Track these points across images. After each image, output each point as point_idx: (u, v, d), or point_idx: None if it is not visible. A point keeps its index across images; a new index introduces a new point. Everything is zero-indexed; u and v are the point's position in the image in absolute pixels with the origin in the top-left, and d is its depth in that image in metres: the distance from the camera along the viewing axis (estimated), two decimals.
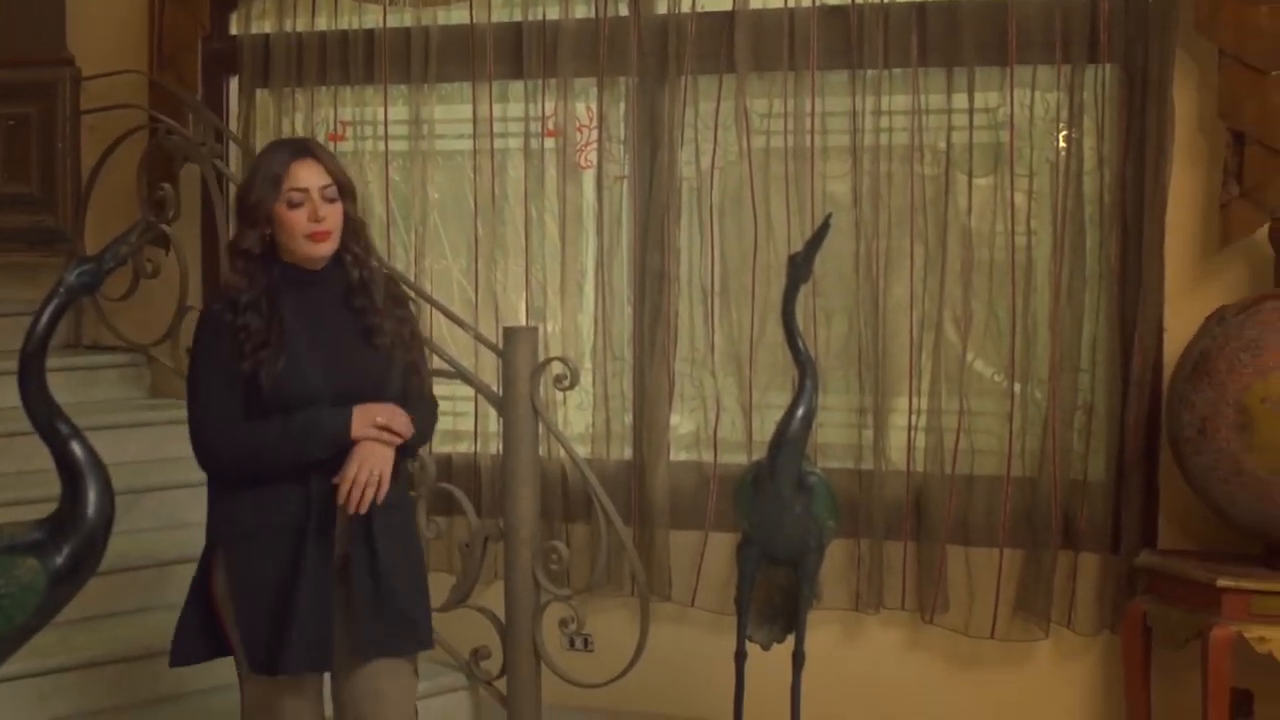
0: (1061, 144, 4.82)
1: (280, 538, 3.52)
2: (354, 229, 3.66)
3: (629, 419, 5.24)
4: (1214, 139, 4.61)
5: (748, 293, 5.06)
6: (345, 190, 3.64)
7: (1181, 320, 4.61)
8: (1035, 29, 4.77)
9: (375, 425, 3.53)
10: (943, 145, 4.93)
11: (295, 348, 3.53)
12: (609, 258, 5.23)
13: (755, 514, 4.30)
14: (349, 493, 3.47)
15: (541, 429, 4.54)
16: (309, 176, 3.56)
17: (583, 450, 5.11)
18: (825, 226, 4.22)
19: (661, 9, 5.16)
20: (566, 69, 5.25)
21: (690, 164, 5.15)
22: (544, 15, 5.28)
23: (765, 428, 4.74)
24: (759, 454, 4.51)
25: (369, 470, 3.49)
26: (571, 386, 4.43)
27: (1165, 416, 4.57)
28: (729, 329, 5.10)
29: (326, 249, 3.58)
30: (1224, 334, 4.30)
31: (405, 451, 3.66)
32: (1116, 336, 4.73)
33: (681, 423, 5.26)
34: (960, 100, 4.89)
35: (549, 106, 5.30)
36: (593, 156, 5.31)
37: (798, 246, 4.51)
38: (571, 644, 5.00)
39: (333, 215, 3.58)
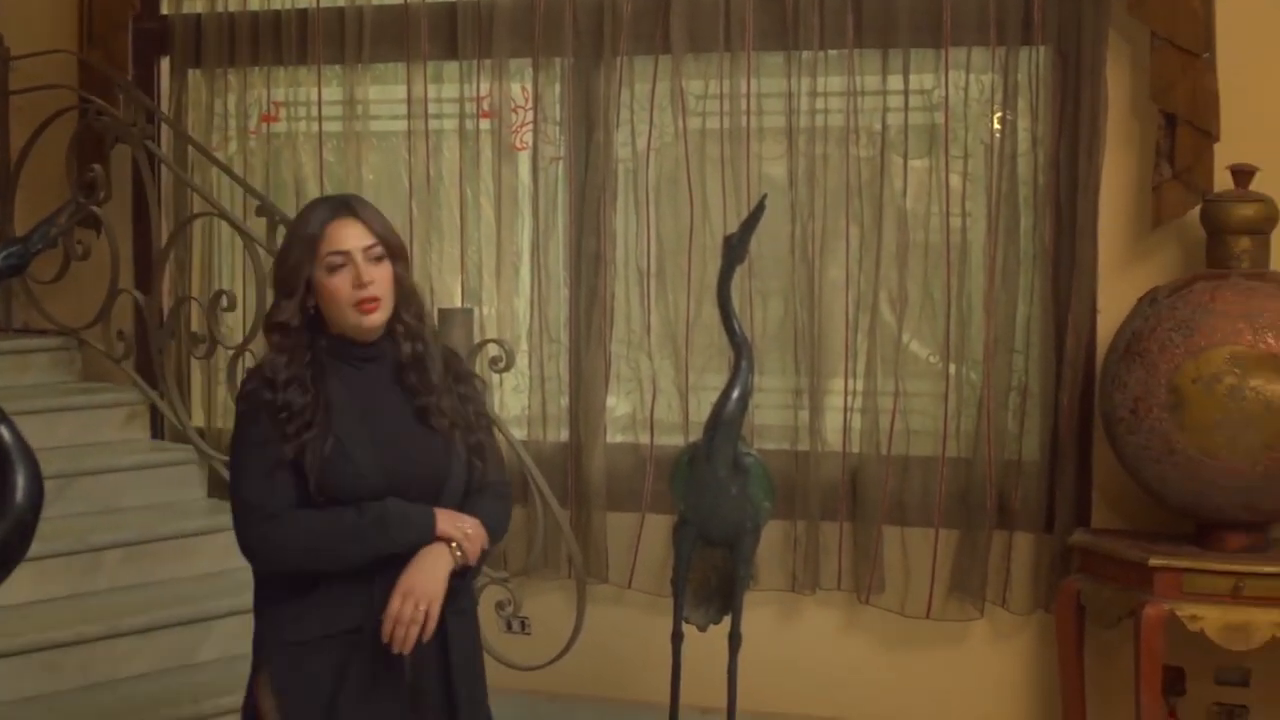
0: (996, 126, 4.83)
1: (338, 645, 3.15)
2: (405, 295, 3.27)
3: (565, 401, 5.23)
4: (1146, 121, 4.64)
5: (684, 274, 5.06)
6: (394, 251, 3.25)
7: (1114, 301, 4.64)
8: (970, 11, 4.78)
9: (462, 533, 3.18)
10: (878, 127, 4.93)
11: (343, 430, 3.15)
12: (545, 239, 5.22)
13: (691, 495, 4.30)
14: (392, 631, 3.09)
15: None
16: (349, 237, 3.17)
17: (519, 433, 5.10)
18: (760, 208, 4.22)
19: None
20: (502, 50, 5.23)
21: (626, 145, 5.14)
22: None
23: (701, 409, 4.74)
24: (695, 435, 4.51)
25: (414, 604, 3.09)
26: (507, 368, 4.43)
27: (1098, 397, 4.60)
28: (665, 311, 5.10)
29: (378, 319, 3.20)
30: (1156, 315, 4.33)
31: (478, 560, 3.27)
32: (1050, 317, 4.75)
33: (618, 405, 5.26)
34: (895, 82, 4.89)
35: (484, 87, 5.27)
36: (528, 138, 5.29)
37: (733, 228, 4.50)
38: (509, 627, 5.00)
39: (381, 279, 3.19)
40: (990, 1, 4.75)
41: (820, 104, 4.96)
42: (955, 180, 4.88)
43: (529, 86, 5.28)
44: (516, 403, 5.36)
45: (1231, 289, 4.27)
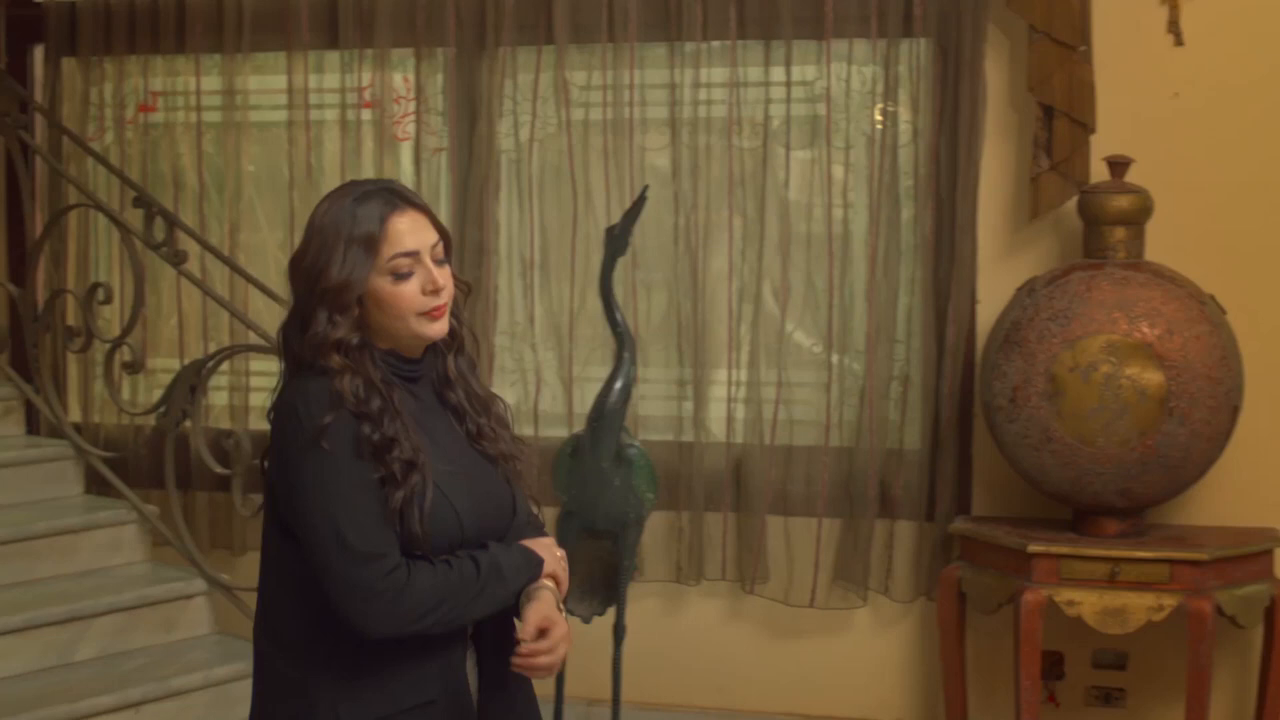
0: (878, 118, 4.87)
1: None
2: (460, 294, 2.80)
3: None
4: (1024, 113, 4.69)
5: (567, 265, 5.05)
6: (449, 242, 2.77)
7: (994, 291, 4.69)
8: (851, 3, 4.81)
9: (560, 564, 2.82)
10: (761, 118, 4.95)
11: (435, 469, 2.67)
12: None
13: (575, 487, 4.30)
14: (533, 662, 2.69)
15: None
16: (416, 233, 2.66)
17: None
18: (642, 199, 4.22)
19: None
20: (383, 40, 5.18)
21: (509, 136, 5.12)
22: None
23: (586, 401, 4.73)
24: (579, 427, 4.50)
25: (558, 637, 2.71)
26: None
27: (978, 386, 4.65)
28: (549, 302, 5.08)
29: (444, 328, 2.72)
30: (1034, 304, 4.38)
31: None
32: (931, 307, 4.79)
33: (502, 396, 5.21)
34: (778, 74, 4.91)
35: (366, 78, 5.23)
36: (411, 128, 5.25)
37: (616, 219, 4.50)
38: None
39: (447, 281, 2.70)
40: None
41: (703, 95, 4.97)
42: (837, 171, 4.90)
43: (411, 77, 5.24)
44: None
45: (1107, 279, 4.32)
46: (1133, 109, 4.60)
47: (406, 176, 5.26)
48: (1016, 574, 4.38)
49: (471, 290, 3.00)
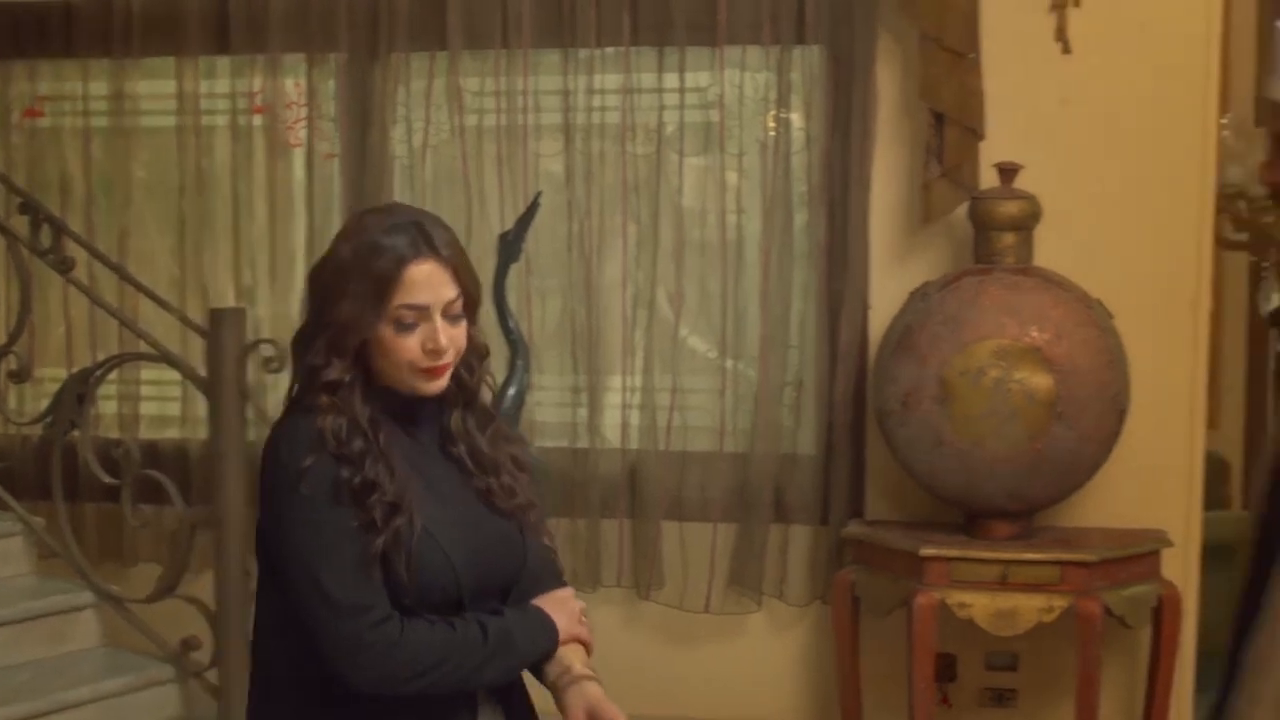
0: (771, 124, 4.89)
1: None
2: (476, 354, 2.66)
3: None
4: (916, 119, 4.72)
5: None
6: (472, 303, 2.60)
7: (886, 297, 4.72)
8: (744, 9, 4.82)
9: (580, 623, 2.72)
10: (655, 125, 4.96)
11: (427, 514, 2.54)
12: (320, 238, 5.12)
13: None
14: None
15: (251, 413, 4.44)
16: (432, 287, 2.51)
17: None
18: (535, 205, 4.22)
19: None
20: (275, 45, 5.13)
21: (403, 142, 5.09)
22: None
23: None
24: None
25: None
26: (280, 369, 4.31)
27: (871, 391, 4.68)
28: None
29: (438, 386, 2.59)
30: (926, 309, 4.41)
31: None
32: (824, 313, 4.82)
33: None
34: (672, 80, 4.92)
35: (257, 83, 5.18)
36: (302, 134, 5.21)
37: (510, 226, 4.49)
38: None
39: (458, 340, 2.57)
40: (764, 1, 4.80)
41: (597, 101, 4.97)
42: (731, 178, 4.92)
43: (303, 82, 5.19)
44: None
45: (997, 284, 4.37)
46: (1022, 116, 4.65)
47: (298, 183, 5.22)
48: (909, 577, 4.40)
49: (489, 353, 2.75)
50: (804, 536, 4.87)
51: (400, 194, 5.07)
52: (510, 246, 4.21)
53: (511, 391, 4.19)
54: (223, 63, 5.24)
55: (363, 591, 2.46)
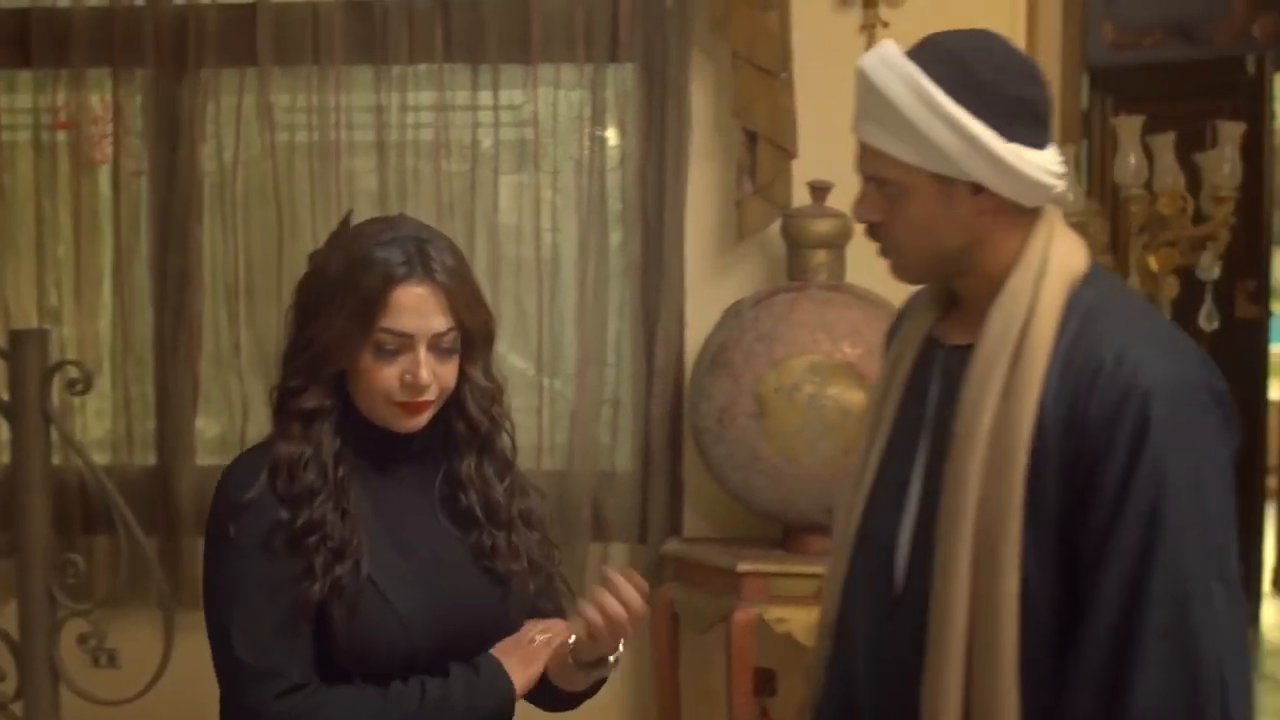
0: (585, 142, 4.89)
1: None
2: (484, 398, 2.44)
3: (152, 424, 5.05)
4: (729, 137, 4.76)
5: (274, 291, 4.94)
6: (471, 338, 2.38)
7: (702, 314, 4.74)
8: (558, 27, 4.82)
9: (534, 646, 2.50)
10: (469, 142, 4.94)
11: (377, 563, 2.31)
12: (128, 256, 5.03)
13: None
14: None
15: (56, 436, 4.32)
16: (420, 315, 2.30)
17: (103, 458, 4.90)
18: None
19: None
20: (79, 59, 5.00)
21: (212, 160, 5.00)
22: (54, 2, 5.02)
23: None
24: None
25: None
26: (85, 391, 4.22)
27: (687, 408, 4.70)
28: (256, 329, 4.97)
29: (417, 424, 2.36)
30: (740, 326, 4.45)
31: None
32: (640, 330, 4.83)
33: (208, 426, 5.11)
34: (486, 98, 4.90)
35: (60, 98, 5.05)
36: (109, 151, 5.09)
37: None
38: (96, 661, 4.78)
39: (445, 378, 2.35)
40: (578, 18, 4.80)
41: (411, 118, 4.93)
42: (546, 195, 4.91)
43: (109, 98, 5.08)
44: (100, 426, 5.15)
45: (809, 300, 4.41)
46: (834, 134, 4.61)
47: (104, 201, 5.10)
48: (727, 593, 4.42)
49: (503, 393, 2.52)
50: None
51: (210, 212, 4.98)
52: None
53: None
54: (24, 77, 5.10)
55: (275, 655, 2.26)
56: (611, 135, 4.89)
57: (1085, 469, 2.23)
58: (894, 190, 2.35)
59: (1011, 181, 2.31)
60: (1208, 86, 7.21)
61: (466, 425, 2.42)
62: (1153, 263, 4.98)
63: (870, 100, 2.34)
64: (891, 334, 2.71)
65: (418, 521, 2.40)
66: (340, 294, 2.32)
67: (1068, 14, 6.42)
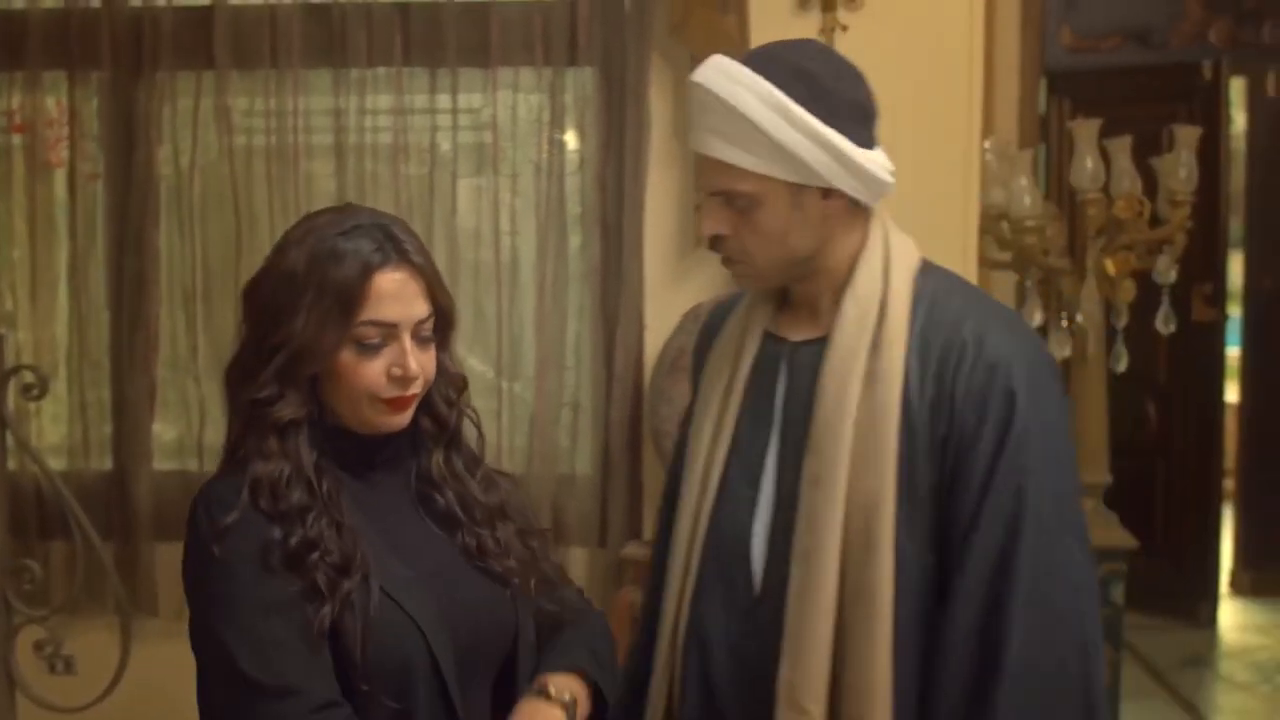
0: (545, 145, 4.88)
1: None
2: (453, 387, 2.34)
3: (109, 429, 5.02)
4: (688, 142, 4.74)
5: (231, 296, 4.90)
6: (445, 322, 2.28)
7: (661, 317, 4.74)
8: (516, 31, 4.81)
9: None
10: (428, 145, 4.93)
11: (386, 573, 2.18)
12: (84, 260, 5.00)
13: None
14: None
15: (11, 441, 4.30)
16: (403, 301, 2.19)
17: (59, 463, 4.87)
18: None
19: (136, 1, 4.95)
20: (35, 61, 4.97)
21: (169, 163, 4.96)
22: (9, 4, 4.99)
23: None
24: None
25: None
26: (41, 396, 4.21)
27: (647, 411, 4.70)
28: (213, 333, 4.95)
29: (402, 421, 2.25)
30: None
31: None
32: (600, 334, 4.82)
33: (165, 431, 5.08)
34: (444, 101, 4.89)
35: (15, 100, 5.02)
36: (65, 154, 5.06)
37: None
38: (52, 668, 4.75)
39: (428, 368, 2.23)
40: (537, 23, 4.79)
41: (369, 122, 4.92)
42: (505, 199, 4.90)
43: (64, 100, 5.05)
44: (56, 431, 5.11)
45: None
46: None
47: (60, 204, 5.07)
48: None
49: (467, 384, 2.42)
50: (582, 558, 4.87)
51: (167, 216, 4.96)
52: None
53: None
54: None
55: (291, 671, 2.06)
56: (571, 139, 4.88)
57: (955, 446, 2.34)
58: (745, 202, 2.41)
59: (865, 183, 2.44)
60: (1164, 91, 7.26)
61: (433, 420, 2.31)
62: (1110, 266, 5.00)
63: (718, 116, 2.41)
64: (700, 349, 2.78)
65: (407, 527, 2.28)
66: (309, 292, 2.15)
67: (1026, 18, 6.46)
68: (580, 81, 4.85)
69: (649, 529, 4.86)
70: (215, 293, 4.95)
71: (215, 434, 4.97)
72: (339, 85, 4.90)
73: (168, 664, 4.83)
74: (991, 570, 2.30)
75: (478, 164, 4.92)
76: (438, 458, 2.31)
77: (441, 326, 2.27)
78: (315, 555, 2.10)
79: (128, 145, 4.96)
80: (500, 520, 2.36)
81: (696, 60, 4.57)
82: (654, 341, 4.74)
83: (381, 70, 4.89)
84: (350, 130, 4.90)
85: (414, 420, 2.29)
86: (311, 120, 4.94)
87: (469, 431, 2.48)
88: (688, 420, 2.70)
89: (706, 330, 2.80)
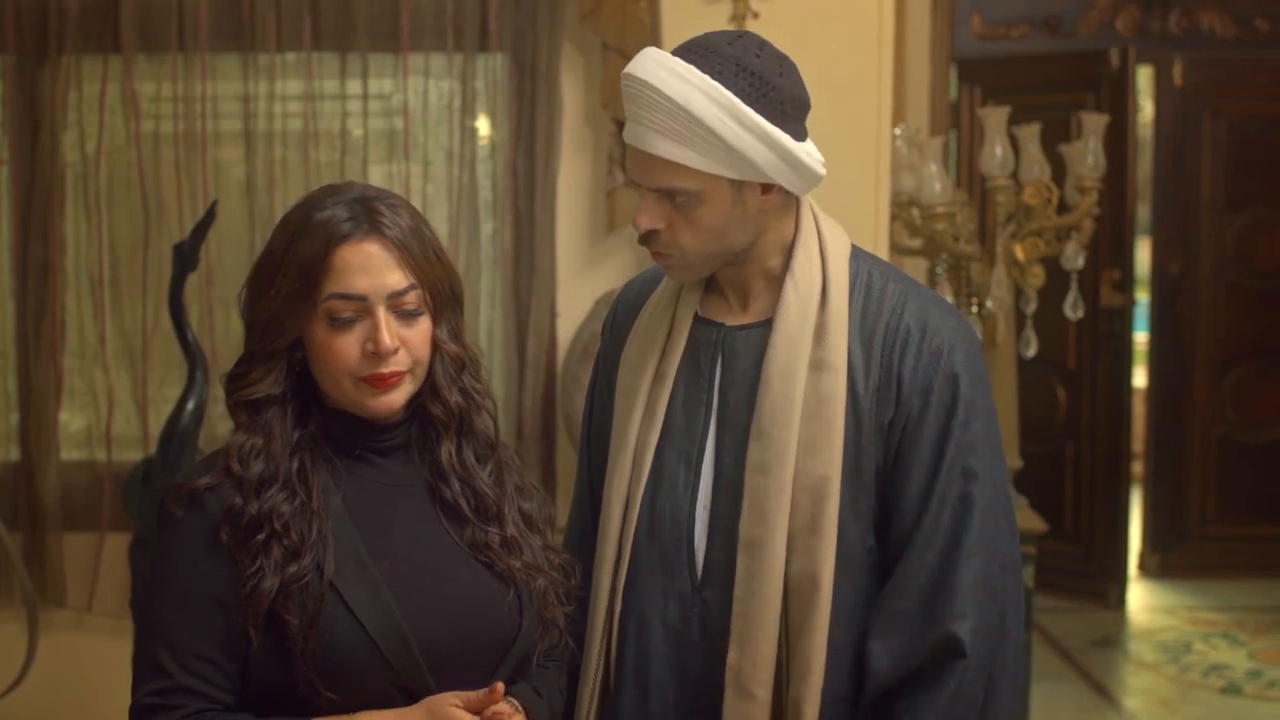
0: (456, 132, 4.87)
1: None
2: (452, 361, 2.21)
3: (15, 418, 4.96)
4: (599, 128, 4.76)
5: (139, 283, 4.87)
6: (439, 299, 2.18)
7: (573, 303, 4.75)
8: (428, 17, 4.79)
9: None
10: (339, 131, 4.90)
11: (342, 566, 2.08)
12: None
13: (148, 512, 4.16)
14: None
15: None
16: (369, 273, 2.09)
17: None
18: (210, 214, 4.13)
19: None
20: None
21: (75, 149, 4.91)
22: None
23: (161, 422, 4.58)
24: (155, 450, 4.36)
25: None
26: None
27: (560, 397, 4.70)
28: (121, 321, 4.89)
29: (397, 399, 2.15)
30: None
31: None
32: (512, 321, 4.82)
33: (72, 420, 5.02)
34: (355, 87, 4.86)
35: None
36: None
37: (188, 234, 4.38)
38: None
39: (414, 344, 2.13)
40: (448, 8, 4.77)
41: (279, 108, 4.88)
42: (417, 185, 4.88)
43: None
44: None
45: None
46: None
47: None
48: None
49: (477, 363, 2.29)
50: None
51: (73, 202, 4.90)
52: (186, 257, 4.10)
53: (190, 405, 4.09)
54: None
55: (189, 668, 2.04)
56: (482, 125, 4.87)
57: (901, 428, 2.40)
58: (686, 199, 2.40)
59: (804, 178, 2.45)
60: (1073, 79, 7.32)
61: (440, 404, 2.19)
62: (1019, 252, 5.05)
63: (664, 114, 2.36)
64: (617, 322, 2.77)
65: (407, 522, 2.18)
66: (281, 266, 2.09)
67: (936, 6, 6.51)
68: (491, 68, 4.84)
69: (563, 516, 4.84)
70: (123, 280, 4.89)
71: (123, 423, 4.93)
72: (248, 70, 4.85)
73: (76, 654, 4.83)
74: (939, 552, 2.37)
75: (389, 150, 4.90)
76: (449, 447, 2.21)
77: (438, 302, 2.18)
78: (265, 532, 2.04)
79: (32, 130, 4.88)
80: (508, 520, 2.24)
81: (608, 47, 4.63)
82: (566, 328, 4.74)
83: (291, 55, 4.85)
84: (260, 116, 4.86)
85: (424, 407, 2.21)
86: (220, 106, 4.89)
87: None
88: (593, 396, 2.70)
89: (622, 303, 2.78)
